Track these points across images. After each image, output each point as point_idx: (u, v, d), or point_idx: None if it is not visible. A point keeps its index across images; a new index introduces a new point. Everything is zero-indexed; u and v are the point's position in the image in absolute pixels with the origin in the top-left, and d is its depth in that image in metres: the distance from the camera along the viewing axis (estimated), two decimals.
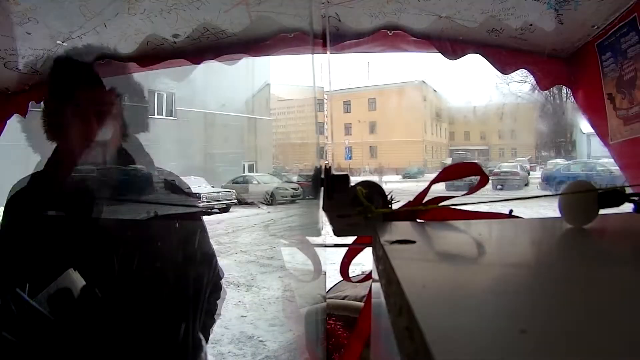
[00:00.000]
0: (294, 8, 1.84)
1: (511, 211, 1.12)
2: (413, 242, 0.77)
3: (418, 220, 1.07)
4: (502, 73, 2.15)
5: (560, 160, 29.11)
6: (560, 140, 41.33)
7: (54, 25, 1.67)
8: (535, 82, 2.20)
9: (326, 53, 1.86)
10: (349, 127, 50.61)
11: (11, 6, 1.51)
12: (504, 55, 2.11)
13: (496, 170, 26.99)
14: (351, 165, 45.18)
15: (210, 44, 2.05)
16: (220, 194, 22.23)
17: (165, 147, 26.92)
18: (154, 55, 2.05)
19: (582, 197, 0.86)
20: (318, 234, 1.30)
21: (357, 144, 48.60)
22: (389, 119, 48.05)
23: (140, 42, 1.93)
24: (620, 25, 1.71)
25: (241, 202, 23.01)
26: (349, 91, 49.43)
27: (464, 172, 1.17)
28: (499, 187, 23.84)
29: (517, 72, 2.20)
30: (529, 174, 29.63)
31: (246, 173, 30.42)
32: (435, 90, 47.79)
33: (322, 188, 1.11)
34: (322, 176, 1.12)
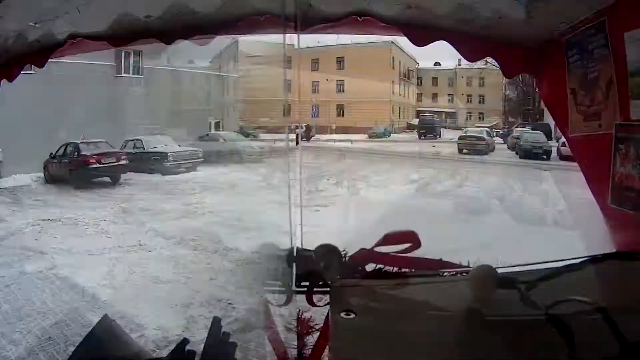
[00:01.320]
0: None
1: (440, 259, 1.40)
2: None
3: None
4: (469, 60, 2.19)
5: (526, 128, 29.43)
6: (527, 108, 41.94)
7: (26, 7, 1.66)
8: (501, 70, 2.24)
9: (296, 34, 1.90)
10: (316, 85, 50.31)
11: None
12: (471, 43, 2.14)
13: (462, 134, 27.28)
14: (318, 122, 45.16)
15: (182, 24, 2.05)
16: (187, 152, 22.04)
17: (131, 106, 26.51)
18: (126, 35, 2.05)
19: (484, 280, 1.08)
20: (287, 194, 1.42)
21: (324, 102, 48.39)
22: (357, 79, 47.82)
23: (111, 22, 1.93)
24: (589, 25, 1.77)
25: (208, 161, 22.88)
26: (318, 49, 48.98)
27: (403, 239, 1.39)
28: (464, 151, 24.10)
29: None
30: (494, 139, 30.10)
31: (213, 130, 30.16)
32: (404, 52, 47.66)
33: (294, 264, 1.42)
34: (294, 255, 1.43)
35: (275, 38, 2.43)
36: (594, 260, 0.91)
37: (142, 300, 6.63)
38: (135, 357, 1.23)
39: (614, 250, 1.54)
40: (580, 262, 0.91)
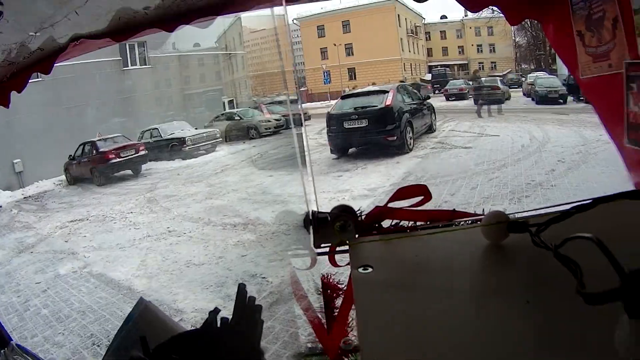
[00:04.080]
0: None
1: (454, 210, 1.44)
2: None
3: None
4: (471, 11, 2.15)
5: (540, 73, 28.98)
6: (539, 53, 41.48)
7: (24, 19, 1.67)
8: (504, 17, 2.19)
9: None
10: (324, 51, 50.20)
11: None
12: None
13: (476, 85, 26.77)
14: (331, 88, 45.08)
15: (181, 10, 2.05)
16: (205, 134, 22.17)
17: (142, 97, 26.74)
18: (127, 29, 2.05)
19: (497, 225, 1.13)
20: (304, 166, 1.48)
21: (334, 67, 48.29)
22: (364, 40, 47.55)
23: (111, 18, 1.94)
24: None
25: (226, 140, 23.06)
26: (321, 16, 48.70)
27: (415, 192, 1.47)
28: (480, 102, 23.75)
29: None
30: (509, 87, 29.65)
31: (227, 109, 30.21)
32: (408, 8, 47.14)
33: (311, 227, 1.47)
34: (310, 218, 1.47)
35: (278, 10, 2.44)
36: (604, 199, 0.93)
37: (177, 286, 6.74)
38: (173, 332, 1.28)
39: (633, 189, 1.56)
40: (591, 202, 0.93)
